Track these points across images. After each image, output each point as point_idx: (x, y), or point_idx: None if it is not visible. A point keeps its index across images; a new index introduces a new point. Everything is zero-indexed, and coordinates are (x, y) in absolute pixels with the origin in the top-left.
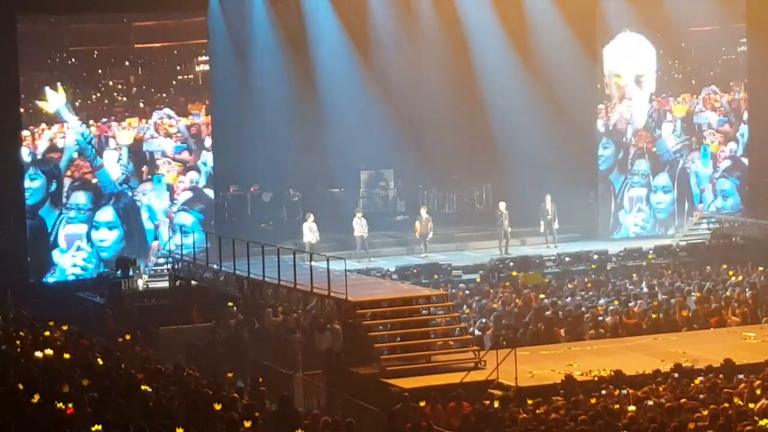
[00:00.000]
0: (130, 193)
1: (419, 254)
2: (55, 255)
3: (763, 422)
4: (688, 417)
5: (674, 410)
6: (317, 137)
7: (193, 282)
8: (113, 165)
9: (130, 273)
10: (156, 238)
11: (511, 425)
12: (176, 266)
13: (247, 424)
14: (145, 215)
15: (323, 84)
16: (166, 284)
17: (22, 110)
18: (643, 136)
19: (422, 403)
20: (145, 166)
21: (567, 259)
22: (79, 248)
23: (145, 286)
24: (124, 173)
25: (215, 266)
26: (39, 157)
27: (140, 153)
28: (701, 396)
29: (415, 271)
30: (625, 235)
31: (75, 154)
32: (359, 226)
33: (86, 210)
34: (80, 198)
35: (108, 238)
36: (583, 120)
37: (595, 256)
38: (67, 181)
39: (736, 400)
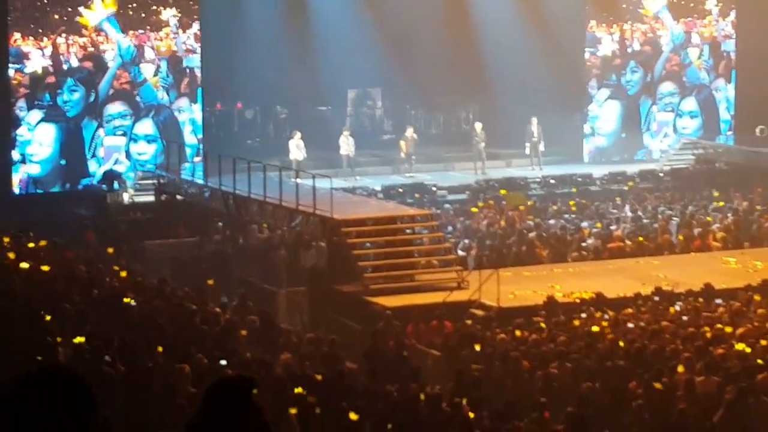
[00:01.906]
0: (169, 107)
1: (405, 173)
2: (92, 165)
3: (739, 346)
4: (668, 339)
5: (654, 333)
6: (306, 55)
7: (178, 197)
8: (151, 78)
9: (116, 187)
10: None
11: (491, 345)
12: (162, 180)
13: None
14: (188, 128)
15: (312, 2)
16: (151, 198)
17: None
18: (670, 59)
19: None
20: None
21: (552, 181)
22: (117, 161)
23: (130, 200)
24: (164, 86)
25: (201, 181)
26: (75, 65)
27: (179, 66)
28: (682, 318)
29: (400, 190)
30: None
31: (117, 68)
32: (346, 145)
33: (125, 122)
34: (119, 109)
35: (147, 151)
36: (571, 43)
37: (579, 179)
38: (107, 92)
39: (716, 324)
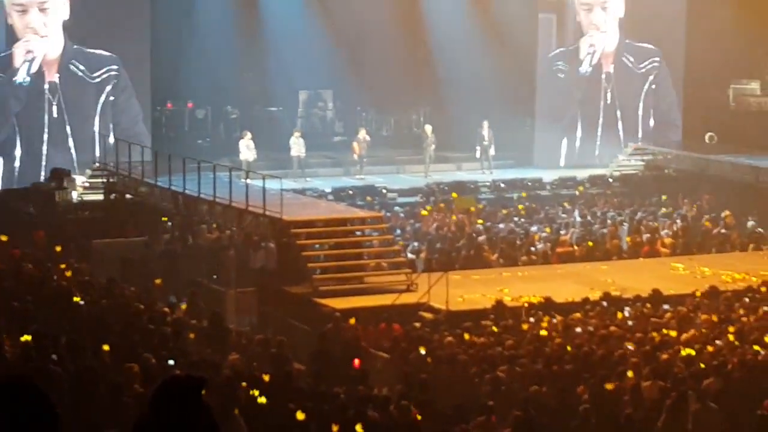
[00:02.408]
0: None
1: (355, 175)
2: None
3: (685, 351)
4: (615, 345)
5: (602, 338)
6: (257, 55)
7: (128, 196)
8: None
9: (64, 184)
10: None
11: (439, 348)
12: (111, 179)
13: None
14: None
15: (264, 2)
16: (101, 197)
17: None
18: None
19: (352, 321)
20: None
21: (502, 185)
22: None
23: (79, 198)
24: None
25: (151, 181)
26: None
27: None
28: (629, 323)
29: (351, 192)
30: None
31: None
32: (296, 146)
33: None
34: None
35: None
36: (522, 46)
37: (529, 184)
38: None
39: (663, 330)
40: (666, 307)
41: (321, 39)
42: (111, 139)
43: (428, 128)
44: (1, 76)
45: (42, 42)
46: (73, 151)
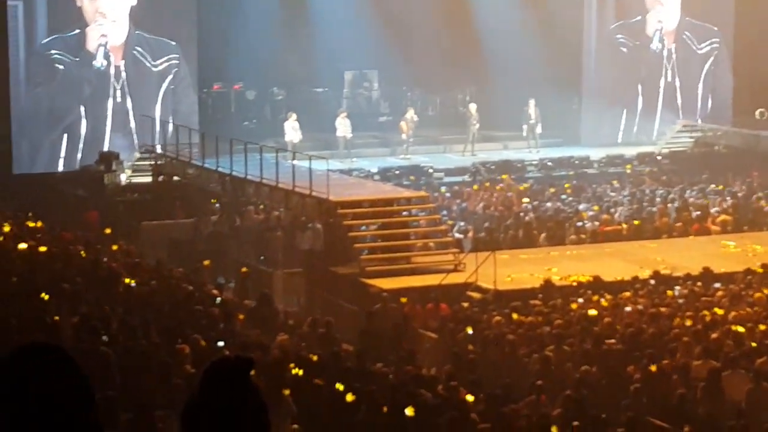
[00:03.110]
0: None
1: (401, 155)
2: None
3: (737, 330)
4: (665, 324)
5: (652, 317)
6: (303, 36)
7: (175, 178)
8: None
9: (113, 167)
10: None
11: (487, 328)
12: (159, 162)
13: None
14: None
15: None
16: (149, 179)
17: None
18: None
19: (403, 300)
20: None
21: (549, 164)
22: None
23: (127, 180)
24: None
25: (198, 162)
26: None
27: None
28: (679, 302)
29: (397, 172)
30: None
31: None
32: (342, 126)
33: None
34: None
35: None
36: (569, 25)
37: (576, 162)
38: None
39: (713, 308)
40: (717, 285)
41: (366, 19)
42: (170, 127)
43: (473, 107)
44: (75, 59)
45: (113, 26)
46: (134, 136)
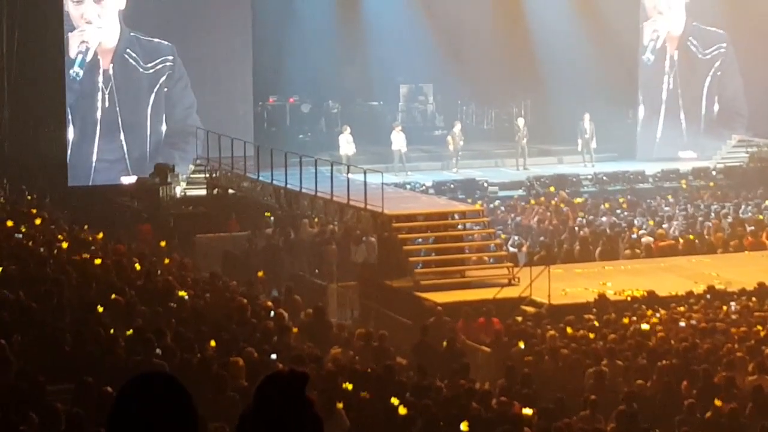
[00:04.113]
0: None
1: (452, 169)
2: None
3: None
4: (720, 339)
5: (706, 332)
6: (358, 49)
7: (230, 191)
8: None
9: (168, 179)
10: None
11: (541, 342)
12: (214, 174)
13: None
14: None
15: None
16: (203, 192)
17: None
18: None
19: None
20: None
21: (604, 178)
22: None
23: (182, 193)
24: None
25: (253, 176)
26: None
27: None
28: (733, 317)
29: (451, 186)
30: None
31: None
32: (397, 140)
33: None
34: None
35: None
36: (624, 39)
37: (631, 177)
38: None
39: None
40: None
41: (421, 33)
42: (163, 129)
43: (521, 122)
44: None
45: (97, 32)
46: (123, 142)
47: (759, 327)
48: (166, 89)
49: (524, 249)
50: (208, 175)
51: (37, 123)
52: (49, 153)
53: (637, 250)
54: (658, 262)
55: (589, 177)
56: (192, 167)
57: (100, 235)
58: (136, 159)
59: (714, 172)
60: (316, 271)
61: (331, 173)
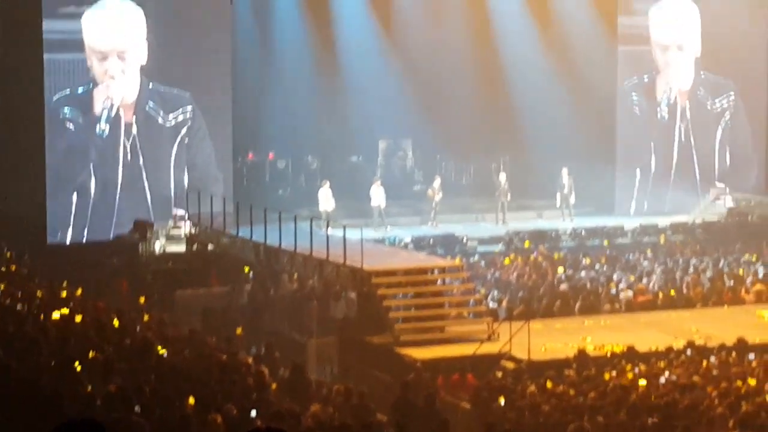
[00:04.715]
0: None
1: (429, 223)
2: None
3: None
4: (700, 394)
5: (686, 387)
6: (337, 105)
7: (210, 246)
8: None
9: (148, 236)
10: None
11: (521, 398)
12: (194, 230)
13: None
14: None
15: (344, 52)
16: (183, 248)
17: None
18: None
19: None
20: None
21: (582, 233)
22: None
23: (162, 249)
24: None
25: (233, 231)
26: None
27: None
28: (714, 372)
29: (431, 241)
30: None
31: None
32: (377, 195)
33: None
34: None
35: None
36: (602, 94)
37: (610, 231)
38: None
39: (747, 379)
40: (751, 356)
41: (400, 88)
42: (185, 182)
43: (502, 176)
44: (79, 122)
45: (120, 87)
46: (148, 193)
47: (739, 383)
48: (187, 140)
49: (504, 304)
50: (187, 232)
51: (15, 177)
52: (28, 209)
53: (617, 305)
54: (637, 317)
55: (568, 232)
56: (171, 223)
57: (79, 292)
58: (160, 210)
59: (693, 227)
60: (296, 327)
61: (311, 229)
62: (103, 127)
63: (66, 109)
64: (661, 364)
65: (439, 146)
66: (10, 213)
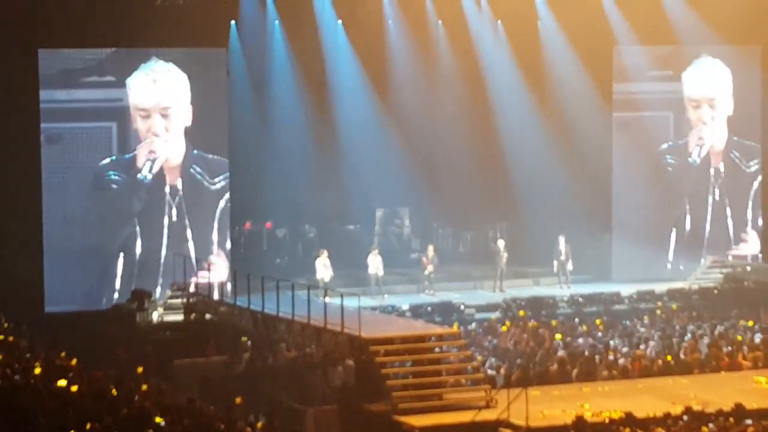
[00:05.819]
0: None
1: (425, 291)
2: None
3: None
4: None
5: None
6: (334, 174)
7: (207, 315)
8: None
9: (145, 305)
10: None
11: None
12: (191, 300)
13: None
14: None
15: (341, 121)
16: (181, 317)
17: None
18: None
19: None
20: None
21: (580, 300)
22: None
23: (159, 318)
24: None
25: (230, 300)
26: None
27: None
28: None
29: (428, 309)
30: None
31: None
32: (374, 264)
33: None
34: None
35: None
36: (598, 161)
37: (607, 298)
38: None
39: None
40: (749, 421)
41: (397, 157)
42: (228, 246)
43: (501, 243)
44: (124, 176)
45: (164, 144)
46: (192, 253)
47: None
48: (230, 204)
49: (502, 371)
50: (185, 301)
51: (12, 247)
52: (26, 277)
53: (614, 371)
54: (635, 383)
55: (565, 299)
56: (169, 292)
57: (74, 362)
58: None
59: (690, 293)
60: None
61: (308, 297)
62: (146, 175)
63: (111, 173)
64: (659, 430)
65: (437, 214)
66: (5, 282)
